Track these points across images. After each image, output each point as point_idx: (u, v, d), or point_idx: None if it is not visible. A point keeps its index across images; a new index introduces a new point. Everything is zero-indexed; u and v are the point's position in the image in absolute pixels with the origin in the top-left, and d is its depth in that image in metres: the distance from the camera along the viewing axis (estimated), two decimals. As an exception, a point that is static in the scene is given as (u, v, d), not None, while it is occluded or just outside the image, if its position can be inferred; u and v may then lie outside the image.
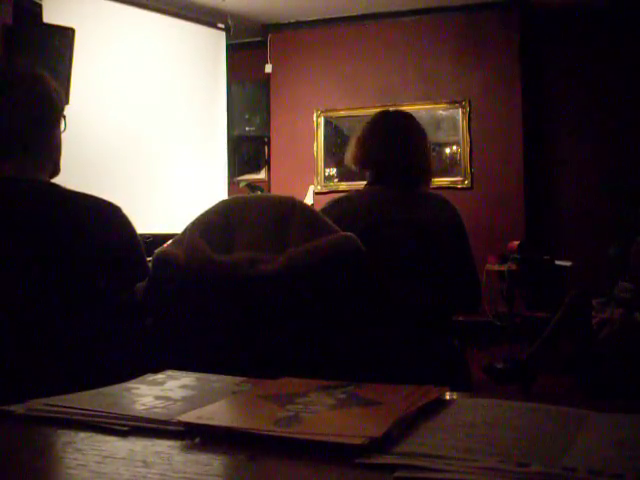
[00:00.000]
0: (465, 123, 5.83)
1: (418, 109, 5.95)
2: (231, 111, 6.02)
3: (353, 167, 2.27)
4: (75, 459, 0.58)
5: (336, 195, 2.26)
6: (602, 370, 3.41)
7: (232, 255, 1.32)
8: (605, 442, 0.60)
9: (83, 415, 0.68)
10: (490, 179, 5.74)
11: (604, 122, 5.71)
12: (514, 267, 4.72)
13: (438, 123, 5.96)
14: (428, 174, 2.24)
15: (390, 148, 2.14)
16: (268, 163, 6.42)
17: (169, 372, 0.88)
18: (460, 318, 2.70)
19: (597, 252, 5.15)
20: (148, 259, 1.45)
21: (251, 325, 1.32)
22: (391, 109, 2.36)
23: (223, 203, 1.43)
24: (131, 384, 0.82)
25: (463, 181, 5.83)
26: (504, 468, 0.52)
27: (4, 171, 1.39)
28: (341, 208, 2.07)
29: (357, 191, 2.21)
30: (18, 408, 0.71)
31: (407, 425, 0.63)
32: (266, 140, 6.37)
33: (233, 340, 1.33)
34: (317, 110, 6.21)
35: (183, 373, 0.88)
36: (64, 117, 1.51)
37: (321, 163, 6.20)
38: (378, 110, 2.42)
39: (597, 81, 5.75)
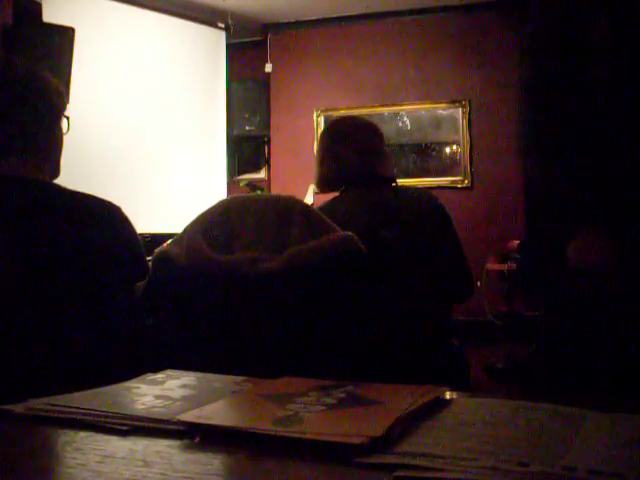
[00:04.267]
0: (465, 123, 5.83)
1: (418, 108, 5.95)
2: (231, 110, 6.02)
3: (324, 191, 2.27)
4: (75, 459, 0.58)
5: (334, 195, 2.24)
6: (602, 370, 3.40)
7: (232, 255, 1.32)
8: (605, 442, 0.60)
9: (83, 415, 0.68)
10: (490, 179, 5.74)
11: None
12: (514, 267, 4.72)
13: (438, 123, 5.95)
14: (390, 167, 2.24)
15: (348, 160, 2.14)
16: (268, 163, 6.42)
17: (169, 372, 0.88)
18: (460, 318, 2.70)
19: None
20: (148, 259, 1.45)
21: (251, 324, 1.32)
22: (336, 119, 2.35)
23: (223, 203, 1.43)
24: (131, 383, 0.82)
25: (463, 181, 5.83)
26: (504, 468, 0.52)
27: (2, 170, 1.39)
28: (333, 211, 2.05)
29: (337, 198, 2.19)
30: (18, 408, 0.71)
31: (407, 425, 0.63)
32: (266, 140, 6.37)
33: (233, 339, 1.33)
34: (317, 110, 6.21)
35: (183, 373, 0.88)
36: (67, 118, 1.51)
37: (321, 163, 6.20)
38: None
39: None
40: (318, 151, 2.22)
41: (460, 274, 2.13)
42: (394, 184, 2.18)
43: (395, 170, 2.33)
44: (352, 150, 2.13)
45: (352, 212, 2.06)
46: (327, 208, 2.10)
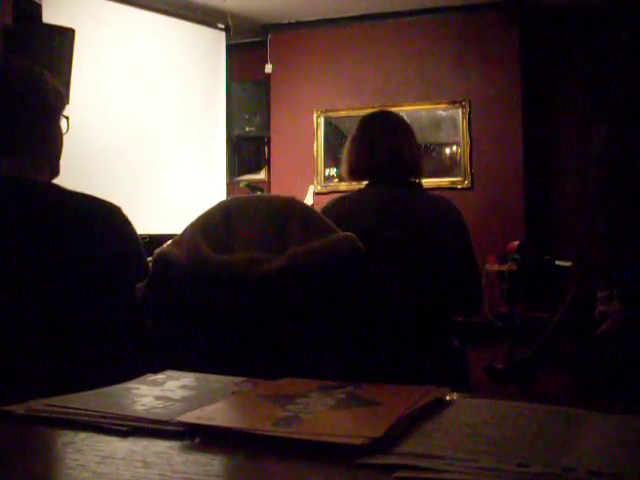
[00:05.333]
0: (465, 123, 5.83)
1: (418, 109, 5.95)
2: (231, 111, 6.02)
3: (351, 180, 2.29)
4: (75, 459, 0.58)
5: (336, 195, 2.26)
6: (601, 370, 3.40)
7: (232, 255, 1.32)
8: (605, 442, 0.59)
9: (83, 415, 0.68)
10: (490, 179, 5.74)
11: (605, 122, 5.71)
12: (514, 267, 4.72)
13: (438, 123, 5.96)
14: (418, 168, 2.23)
15: (376, 153, 2.14)
16: (268, 163, 6.42)
17: (169, 372, 0.88)
18: (460, 318, 2.70)
19: (597, 252, 5.15)
20: (148, 259, 1.45)
21: (251, 325, 1.32)
22: (372, 111, 2.37)
23: (223, 203, 1.42)
24: (131, 384, 0.82)
25: (463, 181, 5.83)
26: (504, 468, 0.52)
27: (1, 171, 1.39)
28: (341, 208, 2.07)
29: (358, 191, 2.22)
30: (18, 408, 0.71)
31: (407, 425, 0.63)
32: (266, 140, 6.37)
33: (233, 340, 1.33)
34: (317, 110, 6.21)
35: (183, 373, 0.88)
36: (67, 118, 1.51)
37: (321, 163, 6.20)
38: (376, 110, 2.43)
39: (598, 81, 5.75)
40: (352, 138, 2.23)
41: (467, 285, 2.10)
42: (417, 185, 2.19)
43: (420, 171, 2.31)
44: (386, 144, 2.14)
45: (360, 209, 2.07)
46: (336, 203, 2.12)
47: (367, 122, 2.24)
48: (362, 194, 2.17)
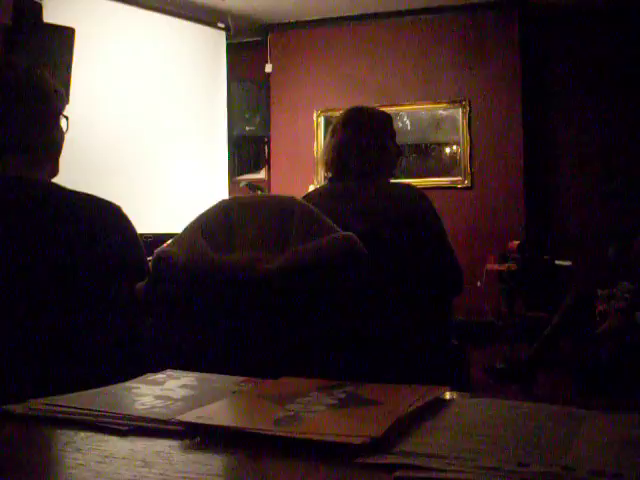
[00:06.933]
0: (465, 123, 5.83)
1: (418, 109, 5.95)
2: (231, 111, 6.02)
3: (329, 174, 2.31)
4: (75, 459, 0.58)
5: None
6: (600, 370, 3.41)
7: (232, 255, 1.32)
8: (605, 442, 0.60)
9: (83, 415, 0.68)
10: (490, 179, 5.74)
11: (605, 122, 5.71)
12: (514, 267, 4.72)
13: (438, 123, 5.95)
14: (385, 167, 2.22)
15: (344, 150, 2.17)
16: (268, 163, 6.42)
17: (169, 372, 0.88)
18: (460, 318, 2.71)
19: (597, 252, 5.16)
20: (148, 259, 1.45)
21: (251, 325, 1.32)
22: (350, 107, 2.39)
23: (223, 203, 1.43)
24: (131, 384, 0.82)
25: (463, 181, 5.83)
26: (504, 468, 0.52)
27: (2, 170, 1.39)
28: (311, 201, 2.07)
29: (321, 188, 2.27)
30: (18, 408, 0.71)
31: (407, 425, 0.63)
32: (266, 140, 6.37)
33: (233, 340, 1.33)
34: (317, 110, 6.21)
35: (183, 373, 0.88)
36: (66, 118, 1.51)
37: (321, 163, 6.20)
38: (354, 107, 2.46)
39: (598, 81, 5.75)
40: (328, 135, 2.28)
41: (445, 271, 2.10)
42: (383, 179, 2.19)
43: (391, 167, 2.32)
44: (348, 138, 2.16)
45: (326, 200, 2.06)
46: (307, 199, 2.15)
47: (341, 116, 2.28)
48: (324, 188, 2.22)
